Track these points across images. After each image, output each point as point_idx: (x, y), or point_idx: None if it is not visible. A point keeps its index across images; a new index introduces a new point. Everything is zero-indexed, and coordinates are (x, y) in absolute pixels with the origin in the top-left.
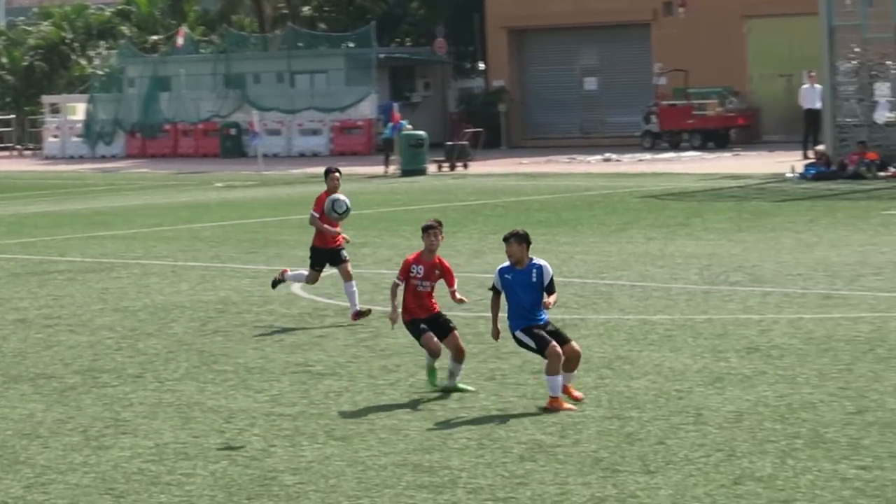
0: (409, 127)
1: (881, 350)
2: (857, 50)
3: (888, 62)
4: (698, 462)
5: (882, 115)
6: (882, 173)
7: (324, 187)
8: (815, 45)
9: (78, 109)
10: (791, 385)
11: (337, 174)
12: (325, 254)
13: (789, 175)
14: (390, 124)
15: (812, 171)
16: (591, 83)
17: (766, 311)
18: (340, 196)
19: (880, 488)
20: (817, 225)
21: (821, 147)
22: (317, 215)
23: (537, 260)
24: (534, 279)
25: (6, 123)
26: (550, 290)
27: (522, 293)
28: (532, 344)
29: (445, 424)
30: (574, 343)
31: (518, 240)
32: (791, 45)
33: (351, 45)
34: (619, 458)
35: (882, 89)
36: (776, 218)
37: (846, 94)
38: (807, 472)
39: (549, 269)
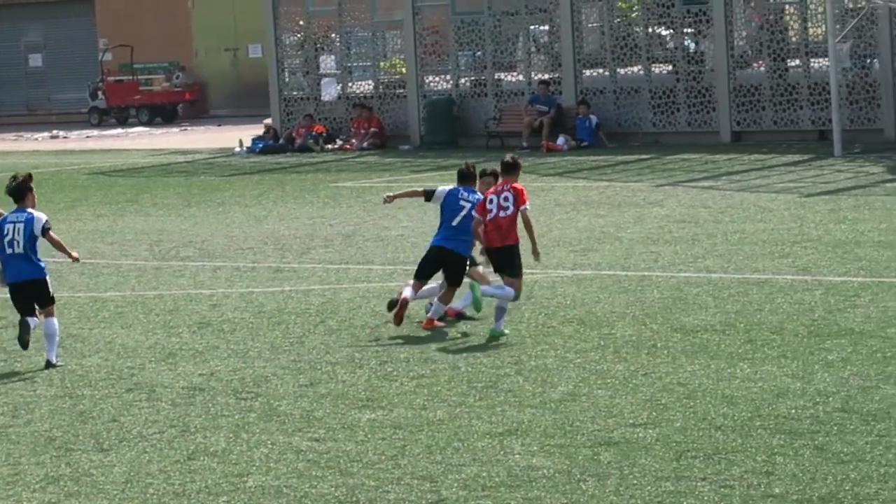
0: None
1: (332, 322)
2: (301, 23)
3: (332, 35)
4: (152, 438)
5: (329, 93)
6: (329, 146)
7: None
8: (259, 18)
9: None
10: (243, 359)
11: None
12: None
13: (237, 150)
14: None
15: (260, 145)
16: (35, 59)
17: (217, 286)
18: None
19: (334, 459)
20: (266, 199)
21: (268, 121)
22: None
23: None
24: None
25: None
26: None
27: None
28: None
29: None
30: None
31: None
32: (236, 19)
33: None
34: (72, 437)
35: (328, 62)
36: (225, 192)
37: (292, 67)
38: (261, 446)
39: None
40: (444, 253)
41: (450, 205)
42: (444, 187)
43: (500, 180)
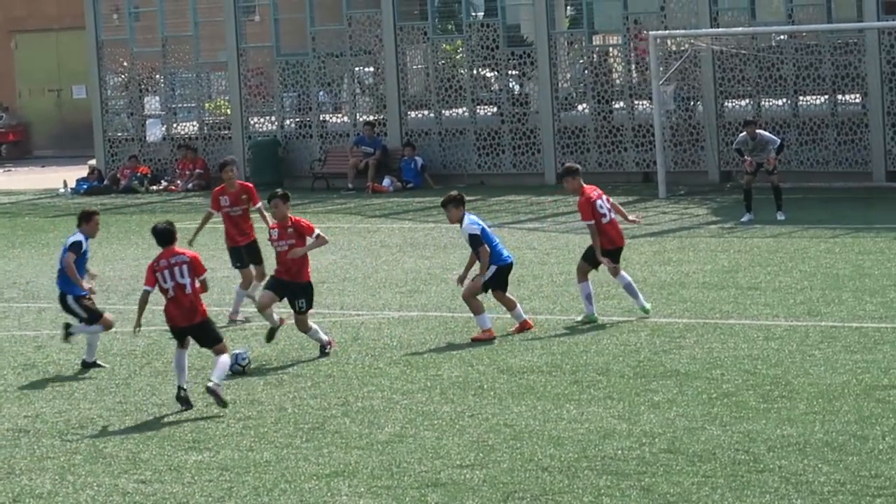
0: None
1: (158, 363)
2: (125, 64)
3: (157, 76)
4: None
5: (154, 134)
6: (155, 187)
7: None
8: (83, 59)
9: None
10: (69, 401)
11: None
12: None
13: (62, 191)
14: None
15: (85, 186)
16: None
17: (42, 328)
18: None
19: (161, 501)
20: (91, 240)
21: (92, 161)
22: None
23: None
24: None
25: None
26: None
27: None
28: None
29: None
30: None
31: None
32: (60, 60)
33: None
34: None
35: (152, 103)
36: (50, 234)
37: (116, 108)
38: (87, 488)
39: None
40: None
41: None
42: (477, 225)
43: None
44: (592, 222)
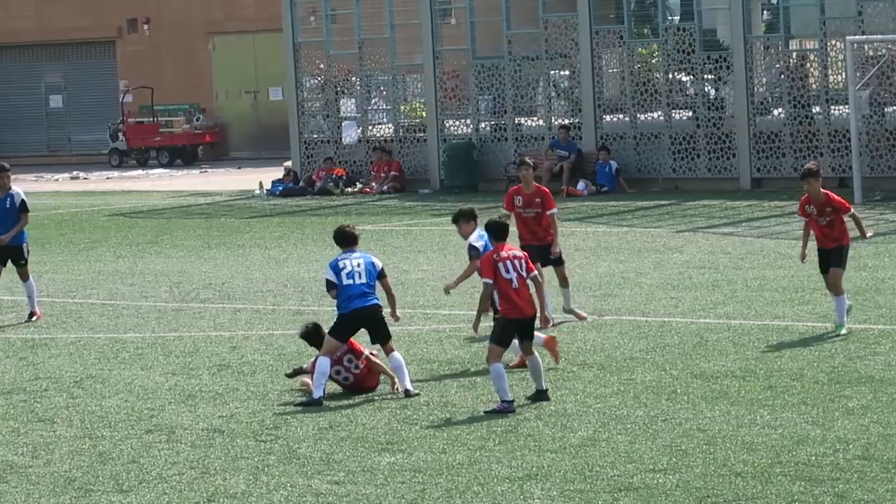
0: None
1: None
2: (321, 66)
3: (353, 78)
4: (172, 480)
5: (350, 136)
6: (349, 189)
7: None
8: (279, 61)
9: None
10: (263, 402)
11: None
12: None
13: (257, 192)
14: None
15: (280, 188)
16: (56, 101)
17: (237, 328)
18: None
19: (353, 502)
20: (286, 241)
21: (288, 163)
22: None
23: None
24: None
25: None
26: None
27: None
28: None
29: None
30: None
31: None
32: (256, 62)
33: None
34: (91, 478)
35: (348, 106)
36: (245, 235)
37: (312, 110)
38: (280, 488)
39: None
40: None
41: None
42: (483, 241)
43: None
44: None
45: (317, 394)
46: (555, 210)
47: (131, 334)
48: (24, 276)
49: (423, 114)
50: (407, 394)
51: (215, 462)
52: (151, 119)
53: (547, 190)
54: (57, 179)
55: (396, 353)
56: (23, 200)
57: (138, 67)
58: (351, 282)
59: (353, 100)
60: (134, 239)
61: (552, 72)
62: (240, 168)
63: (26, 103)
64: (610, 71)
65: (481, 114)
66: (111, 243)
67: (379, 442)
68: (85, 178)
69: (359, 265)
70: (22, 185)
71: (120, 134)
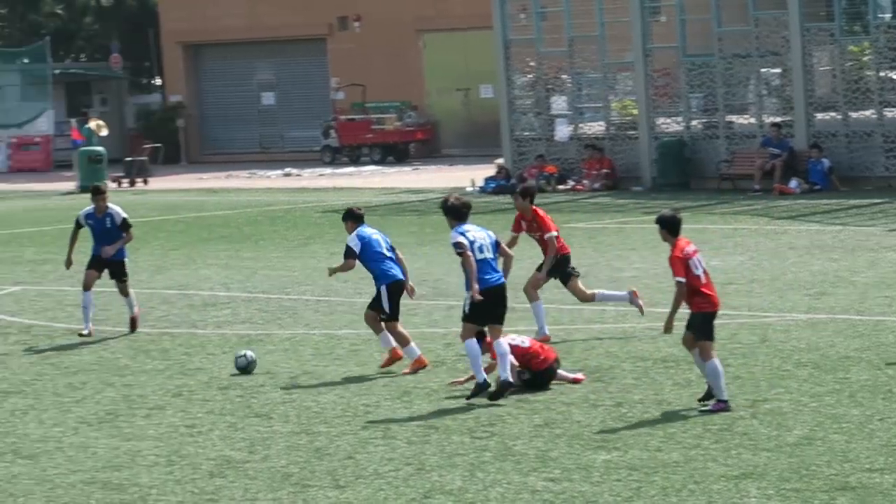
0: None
1: (566, 363)
2: (532, 64)
3: (563, 76)
4: (388, 476)
5: (563, 132)
6: (561, 186)
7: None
8: (490, 59)
9: None
10: (478, 398)
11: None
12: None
13: (469, 189)
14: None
15: (492, 185)
16: (268, 98)
17: (451, 325)
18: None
19: (569, 500)
20: (499, 238)
21: (500, 160)
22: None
23: None
24: None
25: None
26: None
27: None
28: None
29: (134, 441)
30: None
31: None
32: (467, 59)
33: (25, 60)
34: (308, 474)
35: (559, 103)
36: None
37: (523, 107)
38: (496, 485)
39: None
40: None
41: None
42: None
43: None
44: None
45: (480, 377)
46: (552, 234)
47: (346, 331)
48: (124, 292)
49: (634, 111)
50: (506, 385)
51: (431, 458)
52: (363, 116)
53: (542, 214)
54: (270, 176)
55: (503, 339)
56: (124, 219)
57: (349, 65)
58: (483, 256)
59: (563, 97)
60: (346, 235)
61: (763, 69)
62: (451, 165)
63: (239, 101)
64: (821, 69)
65: (692, 111)
66: (325, 240)
67: (594, 439)
68: (297, 175)
69: (483, 237)
70: (235, 182)
71: (332, 131)
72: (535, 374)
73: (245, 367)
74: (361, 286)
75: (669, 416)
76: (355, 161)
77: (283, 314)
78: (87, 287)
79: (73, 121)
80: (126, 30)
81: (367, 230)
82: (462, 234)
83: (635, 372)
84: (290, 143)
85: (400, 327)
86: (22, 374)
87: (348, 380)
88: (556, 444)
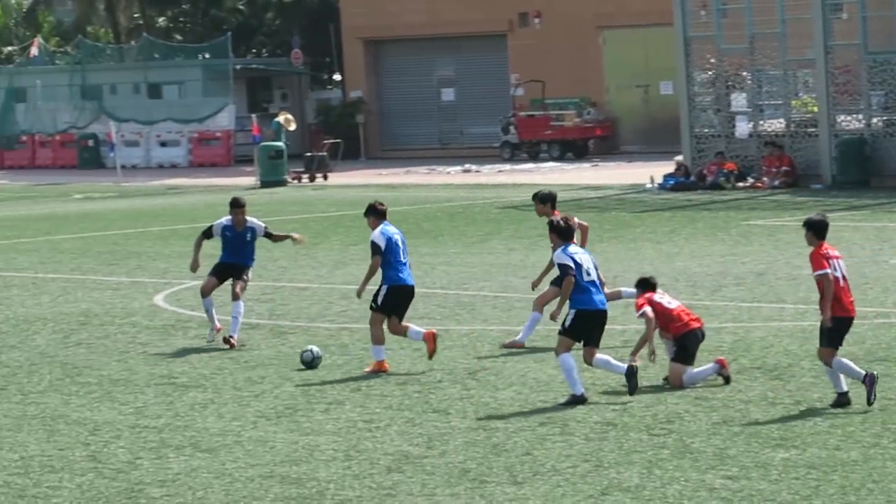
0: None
1: (744, 360)
2: (712, 61)
3: (744, 73)
4: (565, 473)
5: (743, 129)
6: (741, 183)
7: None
8: (670, 55)
9: None
10: (656, 395)
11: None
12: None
13: (648, 186)
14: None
15: (671, 182)
16: (448, 94)
17: (629, 322)
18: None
19: (747, 498)
20: (678, 235)
21: (679, 157)
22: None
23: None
24: None
25: None
26: None
27: None
28: None
29: (312, 436)
30: None
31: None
32: (647, 56)
33: (207, 55)
34: (486, 469)
35: (739, 100)
36: (637, 228)
37: (703, 104)
38: (674, 482)
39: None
40: None
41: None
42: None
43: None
44: None
45: (577, 390)
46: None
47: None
48: (236, 295)
49: (815, 109)
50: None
51: (609, 455)
52: (542, 112)
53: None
54: (449, 172)
55: (599, 355)
56: (265, 227)
57: (529, 61)
58: (590, 278)
59: (743, 94)
60: (525, 232)
61: None
62: (630, 162)
63: (419, 96)
64: None
65: (873, 109)
66: (503, 236)
67: (772, 437)
68: (476, 171)
69: (587, 260)
70: (414, 178)
71: (511, 127)
72: (674, 338)
73: (310, 362)
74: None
75: (848, 415)
76: (534, 157)
77: (461, 310)
78: (206, 294)
79: (254, 116)
80: (307, 25)
81: (390, 228)
82: (570, 256)
83: (814, 370)
84: (470, 139)
85: (385, 325)
86: (202, 368)
87: (526, 376)
88: (734, 441)
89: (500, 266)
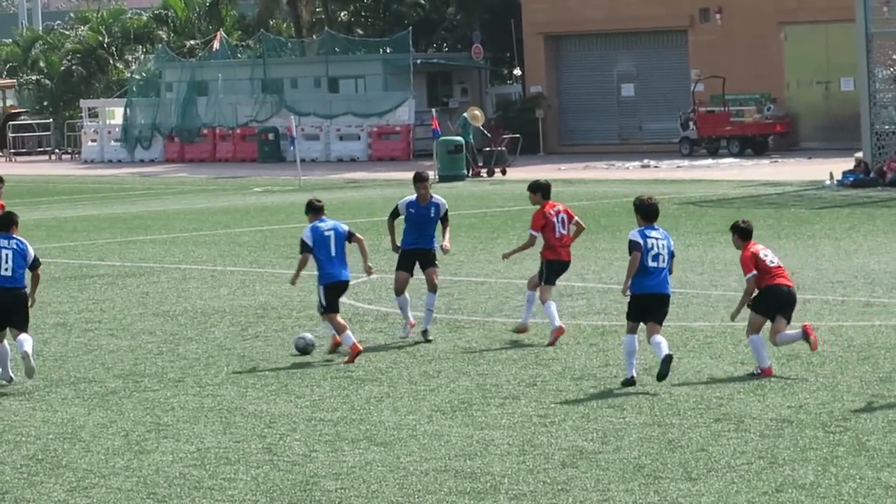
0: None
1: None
2: (894, 57)
3: None
4: (740, 469)
5: None
6: None
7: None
8: (851, 52)
9: (116, 114)
10: (832, 393)
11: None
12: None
13: (828, 182)
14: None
15: (851, 179)
16: (627, 89)
17: (807, 319)
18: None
19: None
20: (856, 232)
21: (859, 154)
22: None
23: None
24: None
25: (45, 127)
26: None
27: None
28: None
29: (486, 430)
30: None
31: None
32: (828, 52)
33: (388, 50)
34: (660, 465)
35: None
36: (815, 225)
37: (884, 101)
38: (849, 480)
39: None
40: None
41: None
42: None
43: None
44: None
45: (630, 373)
46: (531, 231)
47: (700, 323)
48: (434, 286)
49: None
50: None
51: (784, 452)
52: (722, 108)
53: (538, 212)
54: (627, 167)
55: (659, 336)
56: (446, 210)
57: (709, 57)
58: (655, 265)
59: None
60: (703, 228)
61: None
62: (810, 158)
63: (599, 92)
64: None
65: None
66: (681, 231)
67: None
68: (655, 167)
69: (662, 247)
70: (592, 173)
71: (691, 123)
72: (760, 290)
73: (303, 349)
74: (717, 279)
75: None
76: (713, 153)
77: None
78: (399, 292)
79: (434, 111)
80: (488, 20)
81: (323, 225)
82: (644, 236)
83: None
84: (649, 135)
85: (339, 318)
86: (378, 361)
87: (702, 372)
88: None
89: (678, 262)
